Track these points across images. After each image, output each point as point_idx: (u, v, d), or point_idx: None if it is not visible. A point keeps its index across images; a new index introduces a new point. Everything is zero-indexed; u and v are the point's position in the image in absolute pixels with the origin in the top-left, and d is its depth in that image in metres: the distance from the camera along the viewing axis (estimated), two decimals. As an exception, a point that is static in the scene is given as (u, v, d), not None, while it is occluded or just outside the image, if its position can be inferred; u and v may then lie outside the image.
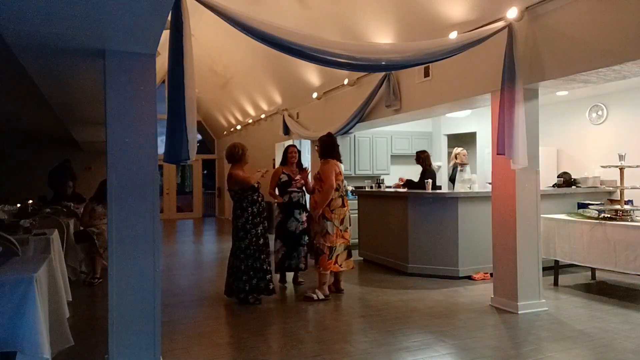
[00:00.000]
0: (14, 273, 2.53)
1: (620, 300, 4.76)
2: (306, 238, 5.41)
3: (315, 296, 4.85)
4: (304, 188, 5.50)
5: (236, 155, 4.86)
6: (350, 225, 5.14)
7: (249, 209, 4.74)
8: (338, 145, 5.20)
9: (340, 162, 5.18)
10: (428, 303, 4.72)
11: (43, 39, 2.92)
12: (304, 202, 5.52)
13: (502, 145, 4.16)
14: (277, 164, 6.00)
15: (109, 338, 2.96)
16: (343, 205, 4.99)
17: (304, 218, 5.44)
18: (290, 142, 9.13)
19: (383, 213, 6.67)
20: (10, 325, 2.38)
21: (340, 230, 4.95)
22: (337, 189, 4.94)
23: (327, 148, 5.09)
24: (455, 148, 7.12)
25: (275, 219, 5.52)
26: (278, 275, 5.64)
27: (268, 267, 4.79)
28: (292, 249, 5.39)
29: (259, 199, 4.82)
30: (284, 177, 5.43)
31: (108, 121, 2.99)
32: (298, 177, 5.47)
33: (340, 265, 4.98)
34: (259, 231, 4.76)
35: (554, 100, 7.06)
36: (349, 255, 5.08)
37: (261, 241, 4.76)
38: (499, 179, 4.57)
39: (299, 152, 5.68)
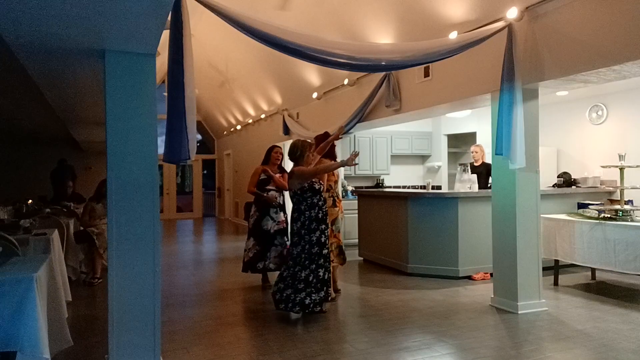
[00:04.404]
0: (14, 273, 2.53)
1: (620, 300, 4.76)
2: (285, 238, 5.35)
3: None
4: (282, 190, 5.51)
5: (295, 155, 4.45)
6: (340, 229, 5.02)
7: (307, 212, 4.30)
8: (334, 145, 5.19)
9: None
10: (428, 303, 4.72)
11: (43, 39, 2.92)
12: (281, 202, 5.53)
13: (500, 145, 4.17)
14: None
15: (109, 338, 2.96)
16: (334, 206, 4.93)
17: (281, 218, 5.43)
18: (289, 142, 9.12)
19: (383, 213, 6.67)
20: (10, 325, 2.38)
21: (333, 230, 4.90)
22: (328, 189, 4.86)
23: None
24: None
25: (251, 217, 5.51)
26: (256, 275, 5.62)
27: (315, 280, 4.22)
28: (265, 249, 5.36)
29: (320, 202, 4.34)
30: (263, 176, 5.48)
31: (108, 121, 3.00)
32: (278, 175, 5.49)
33: (332, 261, 4.97)
34: (314, 239, 4.28)
35: (554, 100, 7.06)
36: (341, 253, 5.01)
37: (314, 249, 4.26)
38: (499, 179, 4.57)
39: (282, 155, 5.74)
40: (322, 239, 4.31)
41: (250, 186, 5.52)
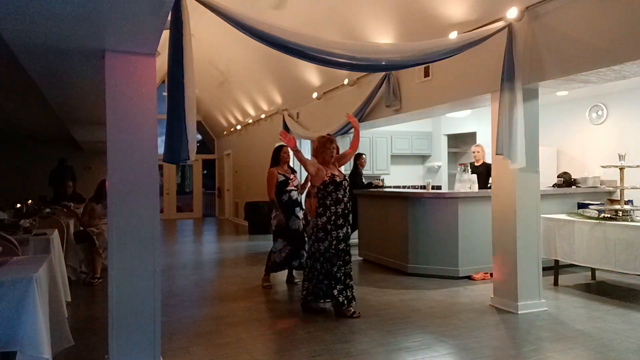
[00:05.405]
0: (14, 273, 2.53)
1: (620, 300, 4.76)
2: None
3: None
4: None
5: (315, 149, 4.47)
6: None
7: (332, 207, 4.29)
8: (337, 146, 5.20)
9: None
10: (428, 303, 4.72)
11: (43, 39, 2.92)
12: (300, 200, 5.57)
13: (500, 145, 4.17)
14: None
15: (109, 338, 2.96)
16: None
17: (302, 215, 5.49)
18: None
19: (383, 213, 6.67)
20: (10, 325, 2.38)
21: None
22: None
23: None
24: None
25: (274, 219, 5.46)
26: (285, 273, 5.72)
27: (342, 276, 4.30)
28: (297, 248, 5.40)
29: (345, 198, 4.33)
30: (281, 177, 5.41)
31: (108, 121, 3.00)
32: (292, 176, 5.49)
33: None
34: (341, 235, 4.31)
35: (554, 100, 7.06)
36: None
37: (342, 246, 4.31)
38: (499, 179, 4.57)
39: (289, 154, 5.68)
40: (348, 235, 4.38)
41: (270, 192, 5.40)
